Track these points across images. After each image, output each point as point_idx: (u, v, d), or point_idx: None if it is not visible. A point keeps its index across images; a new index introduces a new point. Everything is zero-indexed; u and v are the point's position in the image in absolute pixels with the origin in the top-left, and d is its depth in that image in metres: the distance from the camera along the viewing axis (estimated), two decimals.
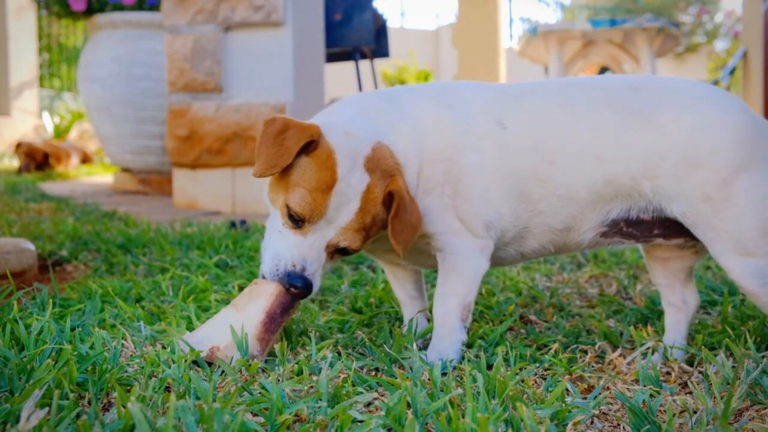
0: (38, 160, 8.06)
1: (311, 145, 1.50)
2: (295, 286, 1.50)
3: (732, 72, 8.45)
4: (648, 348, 1.64)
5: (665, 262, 1.73)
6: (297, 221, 1.50)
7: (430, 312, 1.84)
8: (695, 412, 1.27)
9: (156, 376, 1.39)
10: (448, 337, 1.60)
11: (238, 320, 1.51)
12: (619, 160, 1.53)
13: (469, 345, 1.67)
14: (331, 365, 1.44)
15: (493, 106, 1.62)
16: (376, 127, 1.58)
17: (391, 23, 19.20)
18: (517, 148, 1.58)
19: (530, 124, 1.60)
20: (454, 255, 1.63)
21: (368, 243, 1.64)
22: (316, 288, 1.52)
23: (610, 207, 1.58)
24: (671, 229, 1.59)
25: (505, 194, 1.59)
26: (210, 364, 1.47)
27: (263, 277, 1.54)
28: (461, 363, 1.54)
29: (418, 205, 1.57)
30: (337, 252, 1.55)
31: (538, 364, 1.54)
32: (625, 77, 1.66)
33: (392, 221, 1.50)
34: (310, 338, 1.63)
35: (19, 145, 8.20)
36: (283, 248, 1.52)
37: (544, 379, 1.49)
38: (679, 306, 1.74)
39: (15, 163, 9.40)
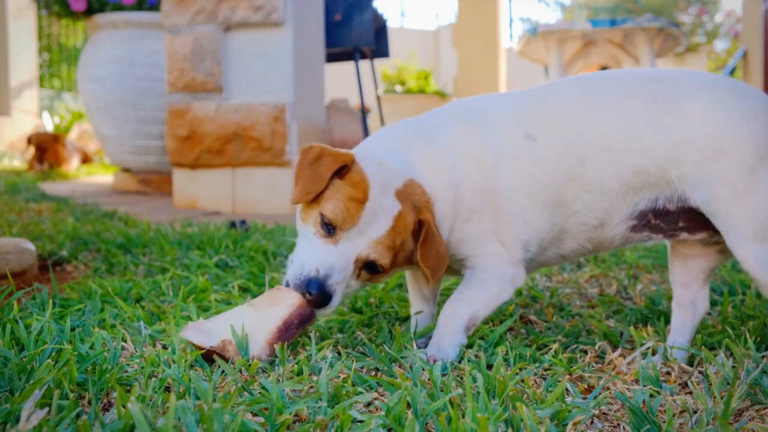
0: (47, 150, 7.98)
1: (344, 169, 1.54)
2: (311, 291, 1.49)
3: (732, 72, 8.45)
4: (648, 348, 1.64)
5: (687, 259, 1.74)
6: (329, 228, 1.52)
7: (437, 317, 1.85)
8: (695, 412, 1.27)
9: (156, 376, 1.39)
10: (449, 336, 1.61)
11: (255, 320, 1.51)
12: (647, 149, 1.56)
13: (469, 345, 1.67)
14: (331, 365, 1.44)
15: (518, 119, 1.65)
16: (409, 163, 1.61)
17: (391, 23, 19.19)
18: (549, 156, 1.61)
19: (557, 128, 1.63)
20: (484, 273, 1.67)
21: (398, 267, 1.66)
22: (335, 301, 1.52)
23: (638, 197, 1.61)
24: (695, 221, 1.62)
25: (541, 207, 1.64)
26: (219, 356, 1.47)
27: (286, 285, 1.54)
28: (461, 362, 1.54)
29: (443, 240, 1.61)
30: (365, 268, 1.56)
31: (538, 364, 1.54)
32: (649, 70, 1.69)
33: (421, 247, 1.55)
34: (310, 338, 1.63)
35: (29, 140, 8.13)
36: (310, 255, 1.54)
37: (544, 379, 1.49)
38: (687, 307, 1.74)
39: (15, 162, 9.39)
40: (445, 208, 1.62)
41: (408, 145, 1.66)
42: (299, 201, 1.53)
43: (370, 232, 1.53)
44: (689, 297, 1.74)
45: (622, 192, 1.60)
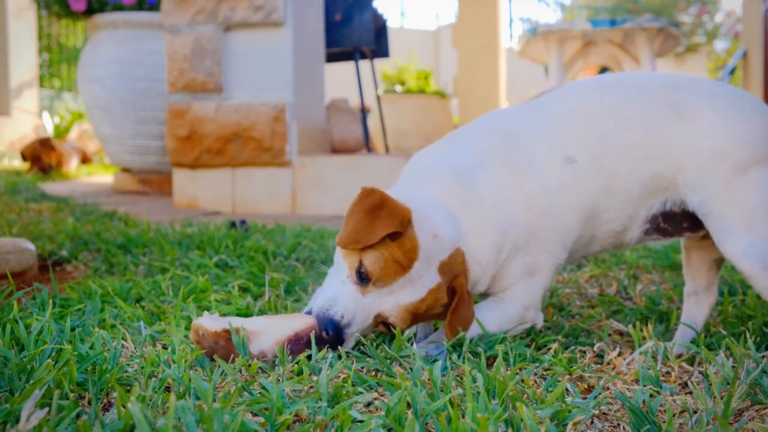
0: (40, 157, 7.91)
1: (399, 233, 1.52)
2: (328, 332, 1.52)
3: (732, 72, 8.45)
4: (648, 348, 1.64)
5: (691, 251, 1.84)
6: (363, 279, 1.52)
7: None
8: (695, 412, 1.27)
9: (156, 376, 1.39)
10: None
11: (269, 324, 1.52)
12: (662, 154, 1.63)
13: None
14: (331, 365, 1.43)
15: (556, 143, 1.67)
16: (458, 232, 1.60)
17: (391, 23, 19.18)
18: (588, 175, 1.66)
19: (591, 144, 1.66)
20: (512, 307, 1.70)
21: None
22: (346, 346, 1.54)
23: (652, 201, 1.68)
24: (697, 219, 1.68)
25: (579, 226, 1.69)
26: (222, 353, 1.47)
27: (309, 312, 1.56)
28: (460, 361, 1.54)
29: (472, 301, 1.64)
30: (383, 323, 1.58)
31: (537, 364, 1.54)
32: (663, 75, 1.75)
33: (452, 314, 1.56)
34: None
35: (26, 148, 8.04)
36: (342, 297, 1.54)
37: (544, 379, 1.49)
38: (691, 296, 1.84)
39: (15, 162, 9.39)
40: (490, 261, 1.63)
41: (455, 201, 1.63)
42: (346, 247, 1.51)
43: (400, 297, 1.53)
44: (693, 287, 1.84)
45: (641, 197, 1.67)
